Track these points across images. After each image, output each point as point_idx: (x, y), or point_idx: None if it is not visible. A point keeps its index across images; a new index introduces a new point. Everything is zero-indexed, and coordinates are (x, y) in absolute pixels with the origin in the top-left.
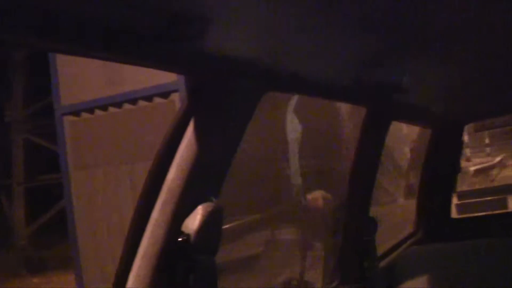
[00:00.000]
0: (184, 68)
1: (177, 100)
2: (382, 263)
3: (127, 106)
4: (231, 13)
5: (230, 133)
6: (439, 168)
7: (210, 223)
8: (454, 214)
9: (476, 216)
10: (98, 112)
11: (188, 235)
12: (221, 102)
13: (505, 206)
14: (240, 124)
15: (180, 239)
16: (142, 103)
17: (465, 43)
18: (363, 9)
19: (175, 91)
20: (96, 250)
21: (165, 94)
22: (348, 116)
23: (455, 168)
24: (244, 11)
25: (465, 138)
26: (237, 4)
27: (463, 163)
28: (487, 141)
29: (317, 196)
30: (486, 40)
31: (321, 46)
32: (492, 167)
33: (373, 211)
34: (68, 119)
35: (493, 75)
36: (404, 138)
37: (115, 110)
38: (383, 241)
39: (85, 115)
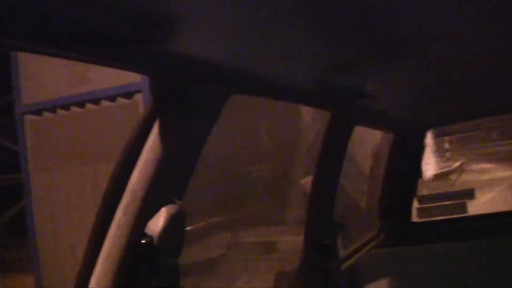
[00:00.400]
0: (150, 70)
1: (140, 101)
2: (345, 266)
3: (90, 106)
4: (198, 16)
5: (195, 136)
6: (400, 173)
7: (173, 225)
8: (415, 218)
9: (437, 220)
10: (60, 111)
11: (151, 237)
12: (187, 104)
13: (464, 210)
14: (205, 127)
15: (143, 241)
16: (105, 103)
17: (428, 50)
18: (330, 14)
19: (139, 91)
20: (56, 251)
21: (128, 95)
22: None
23: (416, 173)
24: (211, 15)
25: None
26: (204, 8)
27: (424, 168)
28: (447, 146)
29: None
30: (448, 48)
31: (288, 50)
32: (451, 172)
33: (335, 214)
34: (29, 118)
35: (454, 82)
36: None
37: (78, 109)
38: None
39: (46, 114)
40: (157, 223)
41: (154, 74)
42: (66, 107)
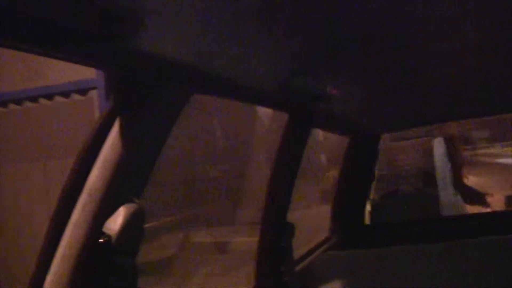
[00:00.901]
0: (112, 67)
1: (95, 98)
2: (298, 268)
3: (43, 101)
4: (161, 14)
5: (155, 134)
6: (355, 176)
7: (131, 224)
8: (367, 221)
9: (388, 223)
10: (12, 106)
11: (109, 236)
12: (147, 103)
13: None
14: (166, 126)
15: (100, 240)
16: (59, 98)
17: (384, 56)
18: (290, 18)
19: (94, 88)
20: (5, 249)
21: (83, 91)
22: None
23: (370, 176)
24: (174, 14)
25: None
26: (167, 6)
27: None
28: None
29: None
30: (404, 55)
31: (249, 51)
32: None
33: (289, 216)
34: None
35: (409, 88)
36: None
37: (31, 104)
38: (299, 246)
39: None
40: (115, 222)
41: (116, 71)
42: (18, 101)
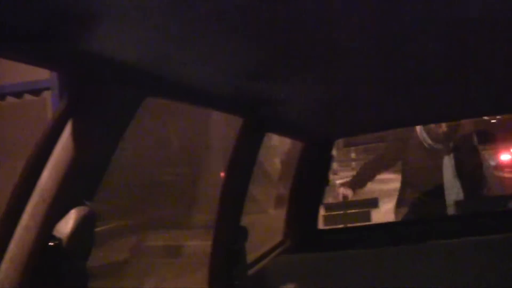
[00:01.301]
0: (63, 68)
1: (48, 99)
2: (251, 271)
3: None
4: (115, 15)
5: (108, 137)
6: (308, 180)
7: (82, 227)
8: (321, 225)
9: (342, 228)
10: None
11: (59, 240)
12: (101, 105)
13: (368, 218)
14: (119, 128)
15: (50, 244)
16: (10, 99)
17: (337, 61)
18: (245, 21)
19: (47, 89)
20: None
21: (36, 91)
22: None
23: (324, 181)
24: (127, 15)
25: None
26: (120, 7)
27: (331, 177)
28: (353, 156)
29: None
30: (356, 60)
31: (202, 55)
32: None
33: (243, 220)
34: None
35: (362, 93)
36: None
37: None
38: (253, 250)
39: None
40: (66, 225)
41: (67, 72)
42: None
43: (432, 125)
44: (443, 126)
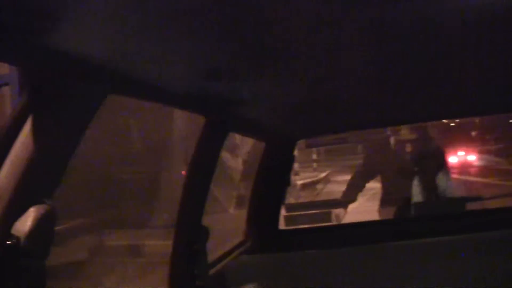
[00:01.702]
0: (24, 62)
1: (7, 94)
2: (212, 271)
3: None
4: (79, 11)
5: (69, 134)
6: (270, 181)
7: (42, 225)
8: (282, 225)
9: (302, 228)
10: None
11: (17, 238)
12: (61, 102)
13: (329, 219)
14: (81, 125)
15: (8, 242)
16: None
17: (300, 63)
18: (209, 21)
19: (6, 84)
20: None
21: None
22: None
23: (285, 182)
24: (92, 11)
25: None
26: (85, 4)
27: (292, 177)
28: (314, 157)
29: None
30: (319, 62)
31: (165, 54)
32: (317, 182)
33: (204, 219)
34: None
35: (325, 95)
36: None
37: None
38: (214, 249)
39: None
40: (24, 223)
41: (28, 67)
42: None
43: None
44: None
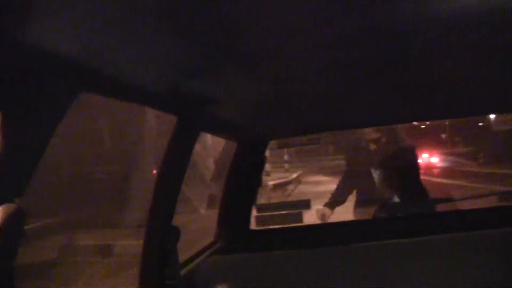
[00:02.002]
0: None
1: None
2: (183, 271)
3: None
4: (48, 6)
5: (39, 132)
6: (241, 181)
7: (10, 225)
8: (253, 225)
9: (274, 228)
10: None
11: None
12: (32, 99)
13: (300, 220)
14: (51, 124)
15: None
16: None
17: (272, 63)
18: (182, 20)
19: None
20: None
21: None
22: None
23: (257, 182)
24: (65, 7)
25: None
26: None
27: (263, 178)
28: (286, 158)
29: None
30: (291, 62)
31: (139, 51)
32: (289, 182)
33: (176, 219)
34: None
35: (297, 96)
36: (209, 149)
37: None
38: (185, 249)
39: None
40: None
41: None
42: None
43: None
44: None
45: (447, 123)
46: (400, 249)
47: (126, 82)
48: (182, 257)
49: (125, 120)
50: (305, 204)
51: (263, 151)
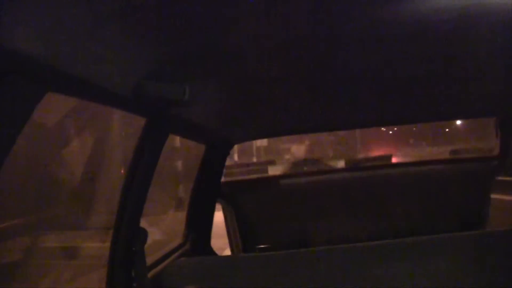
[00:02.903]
0: None
1: None
2: (150, 274)
3: None
4: (14, 6)
5: (4, 132)
6: (208, 183)
7: None
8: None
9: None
10: None
11: None
12: None
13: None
14: (16, 124)
15: None
16: None
17: (238, 67)
18: (149, 22)
19: None
20: None
21: None
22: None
23: (219, 184)
24: (29, 6)
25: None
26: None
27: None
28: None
29: None
30: (257, 66)
31: (106, 52)
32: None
33: (143, 221)
34: None
35: (261, 100)
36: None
37: None
38: (152, 252)
39: None
40: None
41: None
42: None
43: None
44: None
45: (414, 128)
46: (363, 252)
47: (93, 82)
48: (150, 259)
49: (93, 121)
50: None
51: (228, 153)
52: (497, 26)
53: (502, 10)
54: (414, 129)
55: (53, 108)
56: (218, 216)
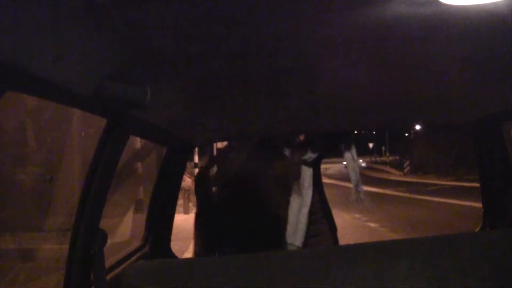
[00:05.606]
0: None
1: None
2: (109, 276)
3: None
4: None
5: None
6: (169, 186)
7: None
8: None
9: None
10: None
11: None
12: None
13: None
14: None
15: None
16: None
17: (198, 69)
18: (110, 22)
19: None
20: None
21: None
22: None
23: (179, 186)
24: None
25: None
26: None
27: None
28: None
29: None
30: (217, 68)
31: (68, 52)
32: None
33: (102, 223)
34: None
35: (222, 102)
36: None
37: None
38: (111, 254)
39: None
40: None
41: None
42: None
43: None
44: None
45: (374, 132)
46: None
47: (53, 82)
48: (109, 261)
49: (52, 121)
50: None
51: (188, 156)
52: (469, 31)
53: (469, 14)
54: None
55: (11, 107)
56: (179, 219)
